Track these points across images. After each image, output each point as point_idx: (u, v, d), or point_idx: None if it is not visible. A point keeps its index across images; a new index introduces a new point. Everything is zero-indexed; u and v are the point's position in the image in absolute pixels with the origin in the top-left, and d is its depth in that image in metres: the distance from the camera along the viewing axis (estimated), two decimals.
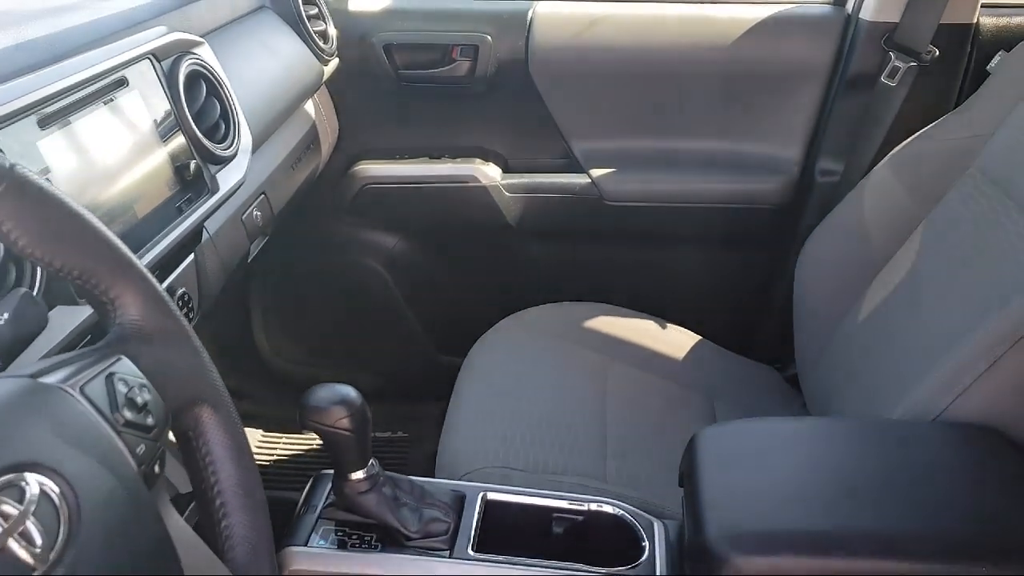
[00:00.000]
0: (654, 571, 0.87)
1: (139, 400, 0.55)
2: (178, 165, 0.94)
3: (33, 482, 0.46)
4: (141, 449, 0.54)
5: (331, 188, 1.73)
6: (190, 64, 1.01)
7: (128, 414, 0.54)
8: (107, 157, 0.84)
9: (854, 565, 0.76)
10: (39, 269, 0.71)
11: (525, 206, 1.70)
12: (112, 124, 0.86)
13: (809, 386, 1.31)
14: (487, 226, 1.72)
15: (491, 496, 0.94)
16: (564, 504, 0.94)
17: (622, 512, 0.93)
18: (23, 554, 0.44)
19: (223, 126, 1.06)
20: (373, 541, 0.88)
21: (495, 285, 1.82)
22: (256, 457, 0.68)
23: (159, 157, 0.92)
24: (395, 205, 1.74)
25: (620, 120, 1.68)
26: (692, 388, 1.33)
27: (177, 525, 0.58)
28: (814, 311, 1.32)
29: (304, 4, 1.47)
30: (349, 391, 0.84)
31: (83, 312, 0.75)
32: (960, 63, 1.53)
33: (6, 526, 0.44)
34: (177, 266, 1.00)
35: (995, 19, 1.53)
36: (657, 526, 0.92)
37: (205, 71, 1.04)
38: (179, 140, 0.96)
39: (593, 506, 0.94)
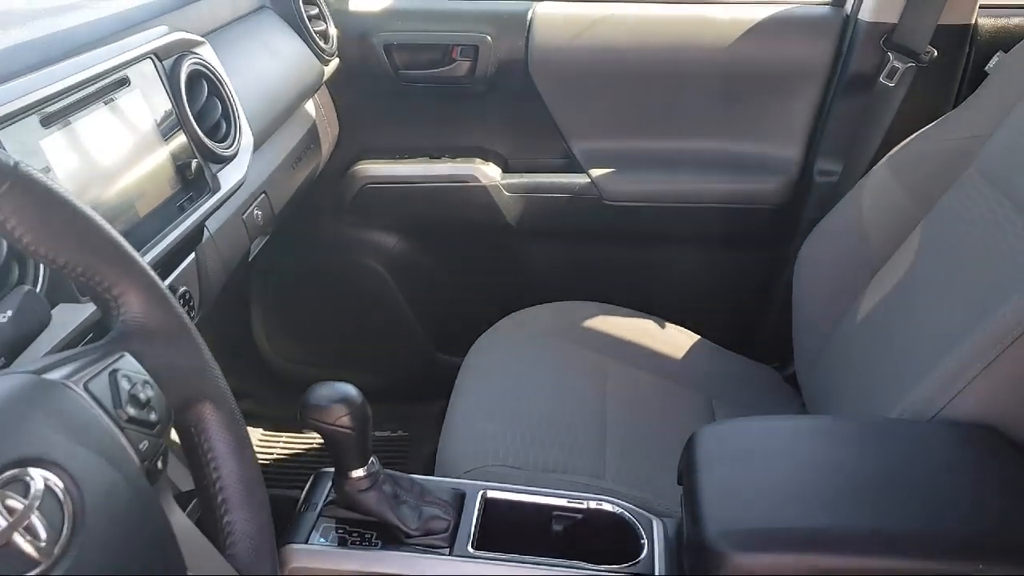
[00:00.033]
0: (653, 569, 0.87)
1: (142, 397, 0.56)
2: (179, 164, 0.95)
3: (38, 477, 0.46)
4: (144, 445, 0.55)
5: (331, 188, 1.73)
6: (191, 64, 1.01)
7: (131, 410, 0.54)
8: (109, 156, 0.84)
9: (852, 563, 0.77)
10: (42, 267, 0.71)
11: (525, 206, 1.70)
12: (114, 123, 0.86)
13: (808, 385, 1.31)
14: (487, 226, 1.72)
15: (491, 494, 0.95)
16: (563, 502, 0.94)
17: (621, 510, 0.94)
18: (28, 548, 0.44)
19: (224, 125, 1.06)
20: (373, 539, 0.88)
21: (495, 285, 1.82)
22: (256, 456, 0.69)
23: (161, 156, 0.93)
24: (395, 205, 1.74)
25: (620, 120, 1.68)
26: (691, 387, 1.33)
27: (179, 521, 0.58)
28: (813, 311, 1.32)
29: (305, 4, 1.47)
30: (349, 389, 0.84)
31: (85, 310, 0.75)
32: (958, 64, 1.54)
33: (11, 520, 0.44)
34: (178, 265, 1.00)
35: (993, 20, 1.54)
36: (656, 524, 0.92)
37: (206, 71, 1.04)
38: (180, 139, 0.96)
39: (592, 504, 0.94)
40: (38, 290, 0.69)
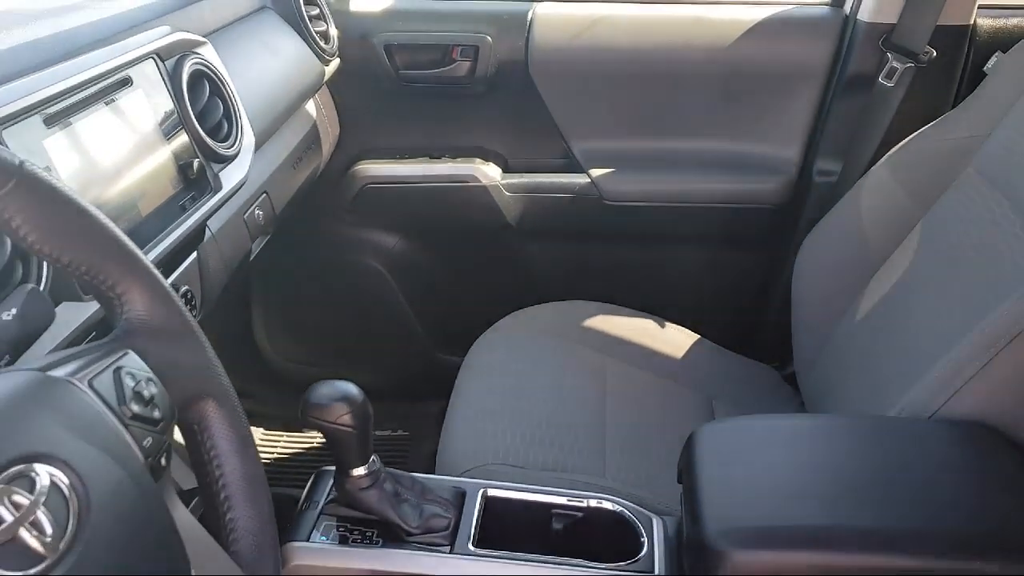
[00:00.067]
0: (653, 567, 0.87)
1: (146, 394, 0.56)
2: (181, 164, 0.95)
3: (43, 473, 0.46)
4: (148, 442, 0.55)
5: (332, 188, 1.73)
6: (193, 64, 1.02)
7: (135, 407, 0.55)
8: (111, 155, 0.84)
9: (851, 560, 0.77)
10: (45, 265, 0.72)
11: (525, 206, 1.71)
12: (116, 123, 0.87)
13: (807, 385, 1.32)
14: (487, 226, 1.73)
15: (491, 492, 0.95)
16: (563, 500, 0.95)
17: (621, 509, 0.94)
18: (34, 543, 0.45)
19: (226, 125, 1.07)
20: (374, 537, 0.88)
21: (495, 284, 1.82)
22: (259, 453, 0.69)
23: (163, 156, 0.93)
24: (395, 204, 1.74)
25: (620, 120, 1.68)
26: (691, 387, 1.33)
27: (183, 517, 0.59)
28: (812, 310, 1.33)
29: (305, 4, 1.48)
30: (351, 388, 0.85)
31: (88, 309, 0.75)
32: (957, 64, 1.54)
33: (17, 516, 0.44)
34: (180, 264, 1.01)
35: (992, 20, 1.54)
36: (656, 522, 0.93)
37: (208, 71, 1.05)
38: (182, 139, 0.97)
39: (592, 502, 0.94)
40: (42, 289, 0.69)
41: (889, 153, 1.29)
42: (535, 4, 1.66)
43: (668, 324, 1.48)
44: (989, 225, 1.03)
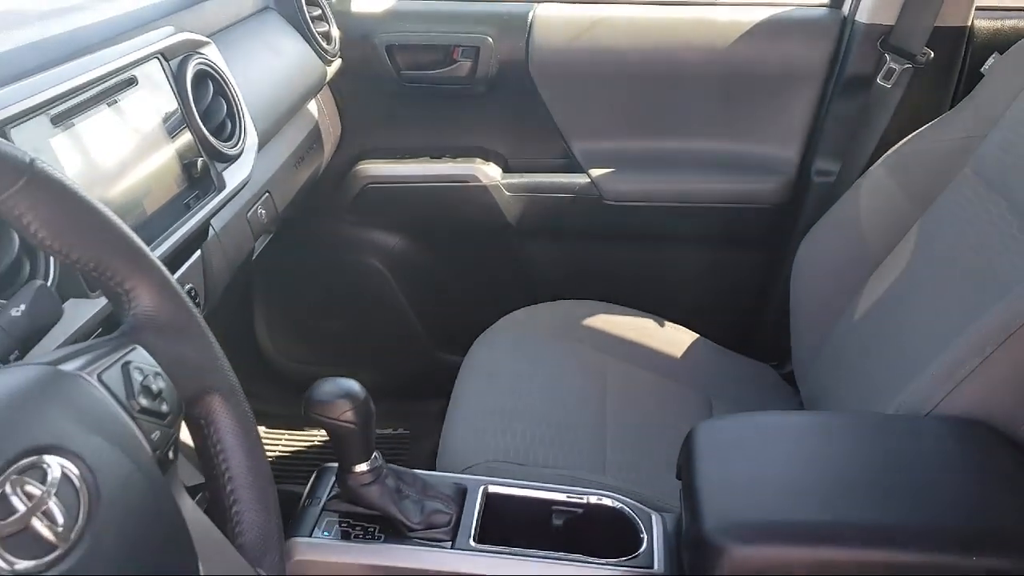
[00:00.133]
0: (652, 563, 0.88)
1: (154, 388, 0.57)
2: (186, 163, 0.96)
3: (55, 464, 0.47)
4: (156, 435, 0.56)
5: (333, 187, 1.74)
6: (197, 64, 1.02)
7: (144, 401, 0.56)
8: (117, 154, 0.85)
9: (850, 555, 0.77)
10: (52, 262, 0.73)
11: (525, 206, 1.72)
12: (121, 122, 0.87)
13: (806, 383, 1.32)
14: (487, 225, 1.73)
15: (492, 489, 0.96)
16: (564, 497, 0.95)
17: (621, 505, 0.94)
18: (46, 532, 0.45)
19: (229, 125, 1.07)
20: (376, 532, 0.89)
21: (495, 284, 1.83)
22: (264, 448, 0.70)
23: (167, 154, 0.94)
24: (396, 204, 1.75)
25: (619, 120, 1.69)
26: (690, 385, 1.34)
27: (190, 509, 0.59)
28: (811, 309, 1.33)
29: (307, 5, 1.48)
30: (353, 385, 0.85)
31: (95, 305, 0.76)
32: (955, 65, 1.55)
33: (30, 505, 0.45)
34: (184, 262, 1.02)
35: (989, 22, 1.55)
36: (655, 519, 0.93)
37: (212, 71, 1.06)
38: (186, 138, 0.98)
39: (592, 499, 0.95)
40: (49, 285, 0.70)
41: (887, 154, 1.30)
42: (536, 5, 1.67)
43: (667, 323, 1.49)
44: (986, 225, 1.04)
